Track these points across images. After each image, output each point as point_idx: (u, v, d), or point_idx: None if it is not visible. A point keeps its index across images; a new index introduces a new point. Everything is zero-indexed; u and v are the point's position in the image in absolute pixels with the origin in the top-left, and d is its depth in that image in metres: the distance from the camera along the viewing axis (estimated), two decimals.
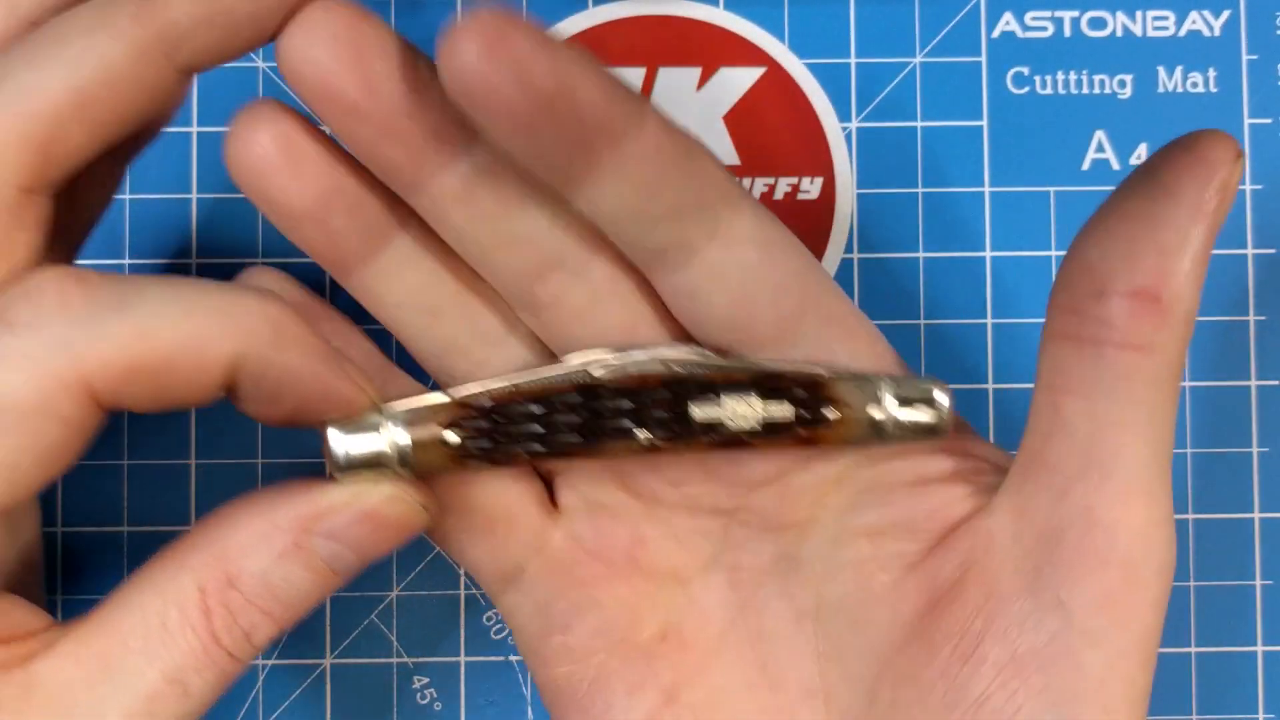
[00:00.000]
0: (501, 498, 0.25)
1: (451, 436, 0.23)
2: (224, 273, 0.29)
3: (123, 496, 0.29)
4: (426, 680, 0.29)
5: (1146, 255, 0.20)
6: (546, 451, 0.23)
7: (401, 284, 0.23)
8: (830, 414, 0.23)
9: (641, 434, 0.23)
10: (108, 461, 0.29)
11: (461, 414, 0.23)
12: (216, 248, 0.29)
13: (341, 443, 0.22)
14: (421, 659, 0.29)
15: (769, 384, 0.23)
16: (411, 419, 0.22)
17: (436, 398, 0.23)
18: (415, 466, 0.23)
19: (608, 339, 0.23)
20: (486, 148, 0.22)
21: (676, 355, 0.23)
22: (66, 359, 0.20)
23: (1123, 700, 0.21)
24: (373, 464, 0.22)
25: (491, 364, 0.24)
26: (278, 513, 0.22)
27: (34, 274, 0.21)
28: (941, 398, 0.23)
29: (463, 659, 0.29)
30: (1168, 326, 0.20)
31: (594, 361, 0.23)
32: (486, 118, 0.20)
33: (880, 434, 0.23)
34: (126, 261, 0.29)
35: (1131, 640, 0.21)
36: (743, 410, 0.23)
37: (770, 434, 0.23)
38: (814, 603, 0.24)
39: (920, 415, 0.23)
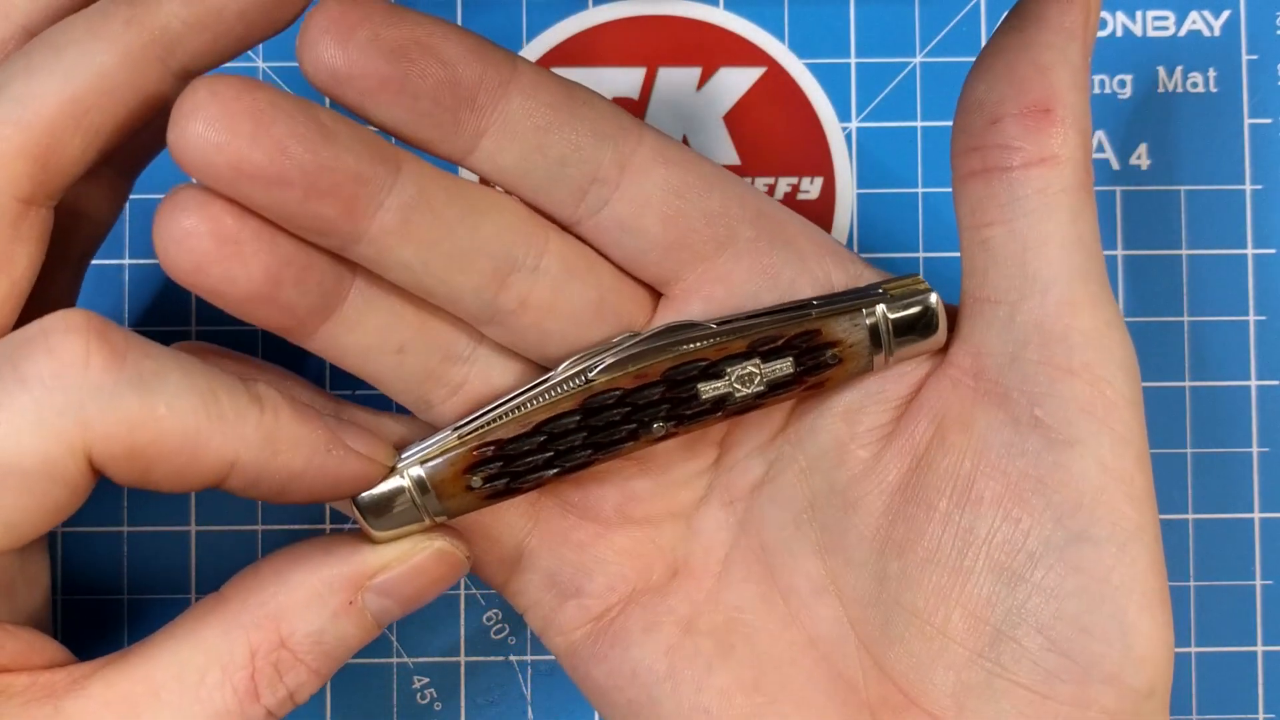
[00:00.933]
0: None
1: (475, 481, 0.23)
2: None
3: (122, 497, 0.29)
4: (426, 680, 0.29)
5: (1028, 75, 0.22)
6: (564, 470, 0.23)
7: (364, 331, 0.23)
8: (830, 358, 0.23)
9: (656, 426, 0.23)
10: None
11: (477, 458, 0.23)
12: None
13: (375, 516, 0.22)
14: (421, 659, 0.29)
15: (767, 347, 0.23)
16: (431, 470, 0.22)
17: (444, 440, 0.23)
18: (449, 513, 0.23)
19: (580, 324, 0.23)
20: (411, 175, 0.22)
21: (667, 338, 0.23)
22: (76, 426, 0.19)
23: (1126, 501, 0.22)
24: (405, 522, 0.23)
25: (469, 383, 0.24)
26: (331, 571, 0.22)
27: (57, 320, 0.20)
28: (936, 316, 0.23)
29: (463, 659, 0.29)
30: (1064, 133, 0.22)
31: (591, 360, 0.23)
32: (363, 97, 0.21)
33: (881, 362, 0.23)
34: (127, 261, 0.29)
35: (1116, 440, 0.22)
36: (747, 377, 0.23)
37: (778, 391, 0.23)
38: (806, 499, 0.24)
39: (917, 337, 0.23)
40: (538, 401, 0.23)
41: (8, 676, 0.21)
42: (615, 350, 0.23)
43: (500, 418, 0.23)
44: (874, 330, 0.23)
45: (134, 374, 0.20)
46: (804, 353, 0.23)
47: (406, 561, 0.23)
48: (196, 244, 0.21)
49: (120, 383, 0.20)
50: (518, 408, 0.23)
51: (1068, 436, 0.22)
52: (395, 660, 0.29)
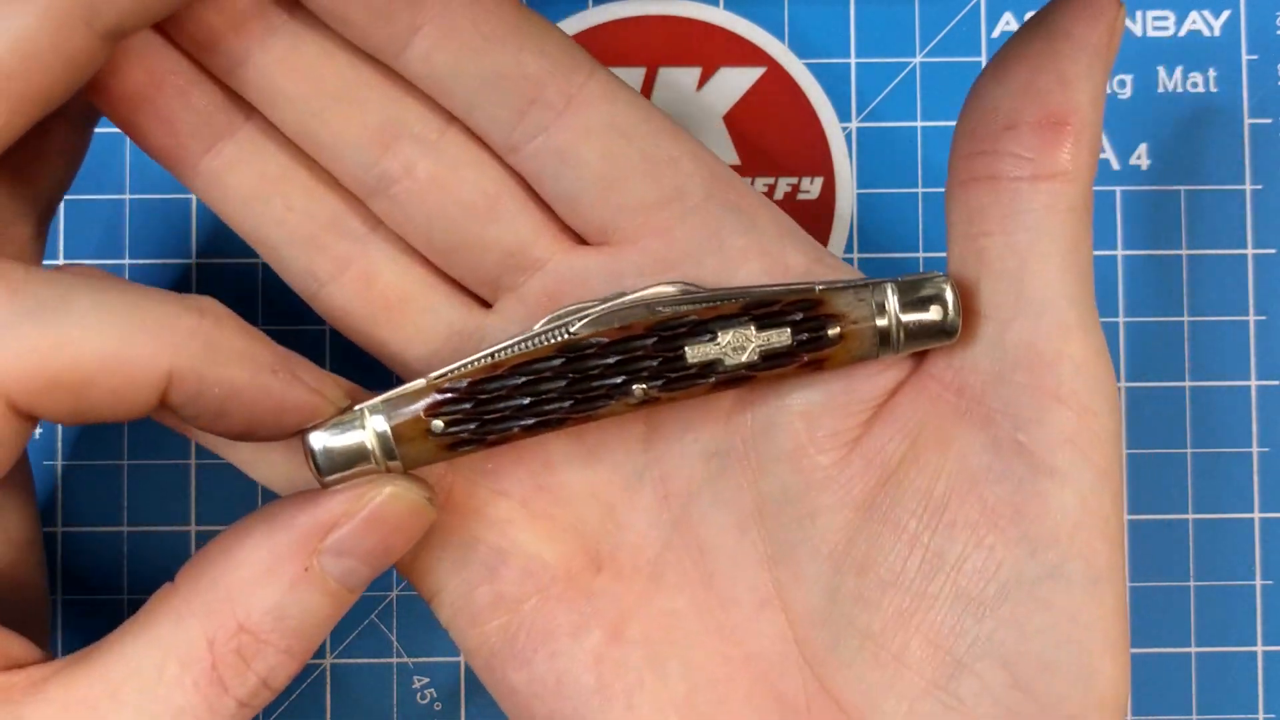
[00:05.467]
0: None
1: (437, 424, 0.21)
2: (224, 272, 0.29)
3: (123, 496, 0.29)
4: (426, 680, 0.29)
5: (1051, 86, 0.21)
6: (537, 424, 0.22)
7: (248, 175, 0.22)
8: (831, 331, 0.22)
9: (635, 388, 0.22)
10: (108, 461, 0.29)
11: (441, 398, 0.21)
12: (216, 247, 0.29)
13: (323, 449, 0.21)
14: (421, 659, 0.29)
15: (762, 311, 0.22)
16: (392, 411, 0.21)
17: (413, 385, 0.21)
18: (405, 462, 0.21)
19: (471, 212, 0.22)
20: (310, 12, 0.21)
21: (658, 295, 0.22)
22: None
23: (1101, 539, 0.21)
24: (358, 463, 0.21)
25: (355, 262, 0.23)
26: (278, 537, 0.21)
27: None
28: (947, 297, 0.22)
29: (463, 659, 0.29)
30: (1078, 149, 0.21)
31: (571, 316, 0.22)
32: None
33: (887, 344, 0.22)
34: (127, 261, 0.29)
35: (1097, 475, 0.21)
36: (739, 343, 0.22)
37: (771, 363, 0.22)
38: (754, 503, 0.23)
39: (928, 316, 0.22)
40: (515, 351, 0.22)
41: None
42: (598, 304, 0.22)
43: (474, 364, 0.22)
44: (880, 309, 0.21)
45: (31, 304, 0.19)
46: (803, 324, 0.22)
47: (357, 514, 0.21)
48: None
49: (16, 314, 0.19)
50: (492, 355, 0.22)
51: (1050, 466, 0.21)
52: (395, 660, 0.29)
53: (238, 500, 0.29)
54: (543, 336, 0.22)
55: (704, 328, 0.21)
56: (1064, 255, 0.21)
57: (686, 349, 0.22)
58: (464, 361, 0.22)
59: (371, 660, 0.29)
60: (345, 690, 0.29)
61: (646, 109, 0.23)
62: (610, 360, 0.21)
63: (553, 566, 0.23)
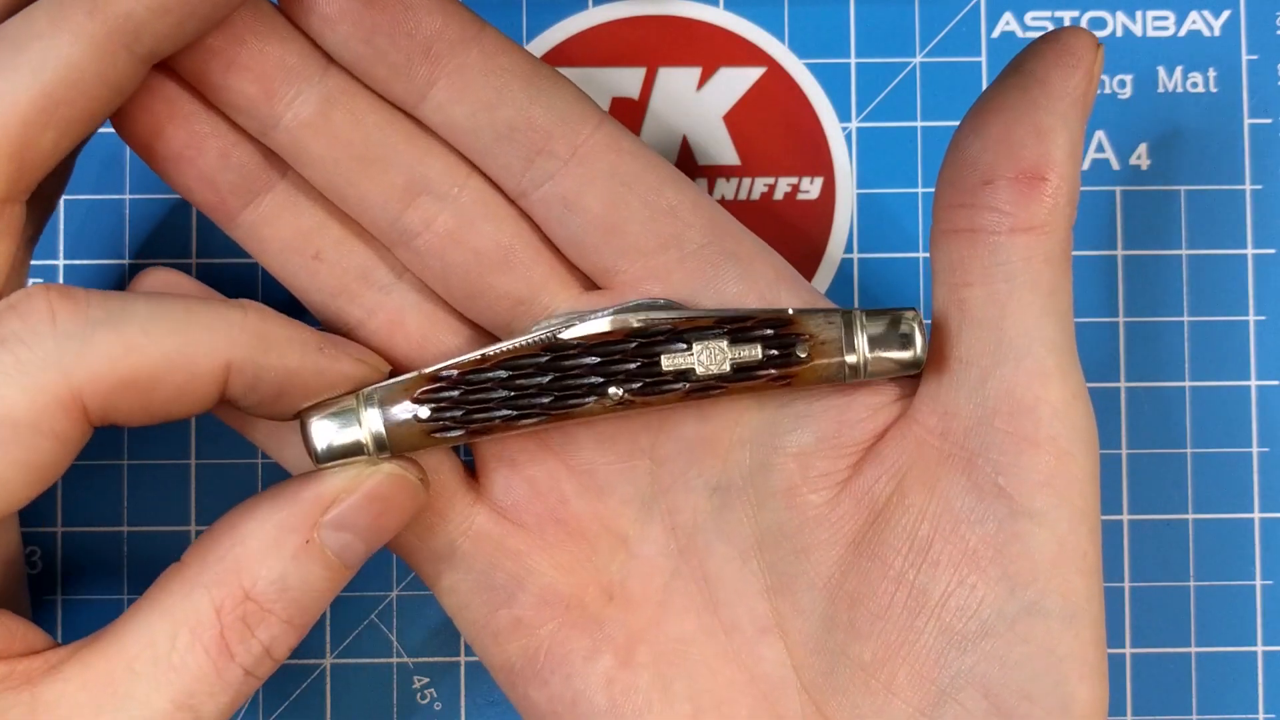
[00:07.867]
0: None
1: (423, 412, 0.23)
2: (223, 272, 0.29)
3: (123, 496, 0.29)
4: (426, 680, 0.29)
5: (1026, 139, 0.21)
6: (518, 416, 0.23)
7: (283, 228, 0.24)
8: (800, 351, 0.23)
9: (612, 390, 0.23)
10: (108, 461, 0.29)
11: (431, 387, 0.23)
12: (215, 248, 0.29)
13: (321, 432, 0.23)
14: (421, 659, 0.29)
15: (737, 327, 0.23)
16: (384, 398, 0.23)
17: (407, 376, 0.23)
18: (393, 447, 0.23)
19: (486, 263, 0.24)
20: (338, 75, 0.23)
21: (640, 310, 0.23)
22: (59, 374, 0.20)
23: (1078, 575, 0.22)
24: (352, 450, 0.23)
25: (382, 309, 0.24)
26: (283, 513, 0.22)
27: (19, 293, 0.21)
28: (914, 329, 0.23)
29: (463, 659, 0.29)
30: (1055, 204, 0.21)
31: (558, 324, 0.23)
32: (324, 23, 0.22)
33: (854, 369, 0.23)
34: (126, 261, 0.29)
35: (1074, 515, 0.22)
36: (712, 355, 0.23)
37: (741, 377, 0.23)
38: (754, 537, 0.24)
39: (894, 349, 0.23)
40: (504, 350, 0.23)
41: None
42: (584, 315, 0.23)
43: (466, 361, 0.23)
44: (848, 334, 0.23)
45: (100, 314, 0.20)
46: (773, 340, 0.23)
47: (355, 491, 0.22)
48: (146, 101, 0.23)
49: (88, 325, 0.20)
50: (483, 355, 0.23)
51: (1029, 508, 0.22)
52: (395, 660, 0.29)
53: (238, 500, 0.29)
54: (530, 338, 0.23)
55: (680, 338, 0.23)
56: (1042, 304, 0.22)
57: (662, 356, 0.23)
58: (457, 360, 0.23)
59: (371, 660, 0.29)
60: (345, 690, 0.29)
61: (649, 159, 0.24)
62: (590, 361, 0.23)
63: (567, 595, 0.25)
